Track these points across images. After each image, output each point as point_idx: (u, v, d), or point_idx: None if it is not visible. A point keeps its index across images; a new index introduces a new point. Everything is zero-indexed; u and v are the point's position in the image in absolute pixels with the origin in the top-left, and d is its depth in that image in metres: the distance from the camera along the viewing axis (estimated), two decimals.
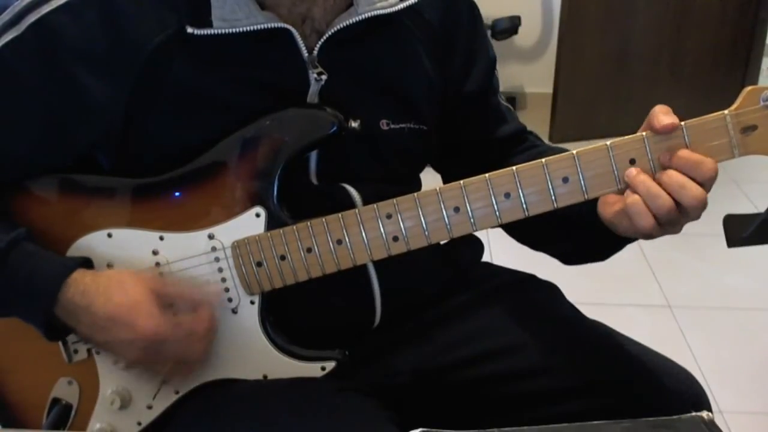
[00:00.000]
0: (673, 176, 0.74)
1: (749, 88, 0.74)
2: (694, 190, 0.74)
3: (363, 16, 0.86)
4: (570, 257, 0.96)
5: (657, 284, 2.33)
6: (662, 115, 0.75)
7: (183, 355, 0.82)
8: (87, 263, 0.84)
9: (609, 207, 0.79)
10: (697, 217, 0.76)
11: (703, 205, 0.74)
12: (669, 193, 0.74)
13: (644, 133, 0.75)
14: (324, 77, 0.85)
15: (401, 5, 0.88)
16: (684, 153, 0.74)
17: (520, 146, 1.00)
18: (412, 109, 0.92)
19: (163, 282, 0.83)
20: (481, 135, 1.00)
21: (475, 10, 0.99)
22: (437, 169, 1.05)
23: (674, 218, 0.75)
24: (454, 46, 0.95)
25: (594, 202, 0.79)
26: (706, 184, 0.75)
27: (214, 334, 0.85)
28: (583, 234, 0.86)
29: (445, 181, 1.02)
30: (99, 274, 0.83)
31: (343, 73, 0.87)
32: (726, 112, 0.74)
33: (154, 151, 0.85)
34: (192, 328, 0.81)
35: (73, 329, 0.83)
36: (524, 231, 0.82)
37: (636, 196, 0.75)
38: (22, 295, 0.81)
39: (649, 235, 0.78)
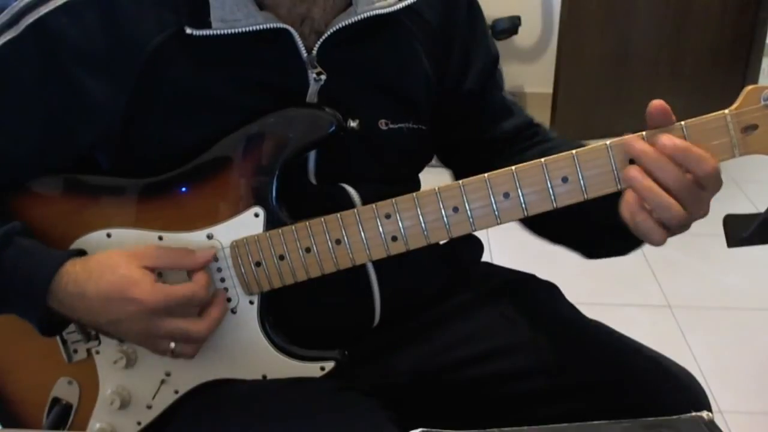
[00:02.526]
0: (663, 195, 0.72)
1: (750, 87, 0.73)
2: (674, 208, 0.72)
3: (362, 16, 0.86)
4: (591, 252, 0.93)
5: (657, 284, 2.33)
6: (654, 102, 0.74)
7: (186, 329, 0.81)
8: (81, 254, 0.84)
9: (627, 207, 0.76)
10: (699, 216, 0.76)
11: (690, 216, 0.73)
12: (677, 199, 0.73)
13: (644, 133, 0.75)
14: (323, 77, 0.85)
15: (400, 5, 0.87)
16: (684, 144, 0.72)
17: (531, 140, 0.98)
18: (411, 109, 0.92)
19: (151, 255, 0.82)
20: (487, 131, 0.99)
21: (474, 7, 0.98)
22: (449, 167, 1.04)
23: (683, 221, 0.74)
24: (451, 44, 0.95)
25: (615, 197, 0.77)
26: (705, 182, 0.73)
27: (221, 310, 0.84)
28: (603, 230, 0.84)
29: (457, 179, 1.02)
30: (88, 259, 0.82)
31: (342, 73, 0.87)
32: (726, 111, 0.74)
33: (153, 151, 0.85)
34: (190, 293, 0.81)
35: (74, 320, 0.84)
36: (542, 225, 0.80)
37: (644, 214, 0.74)
38: (16, 290, 0.82)
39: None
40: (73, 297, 0.80)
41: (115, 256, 0.81)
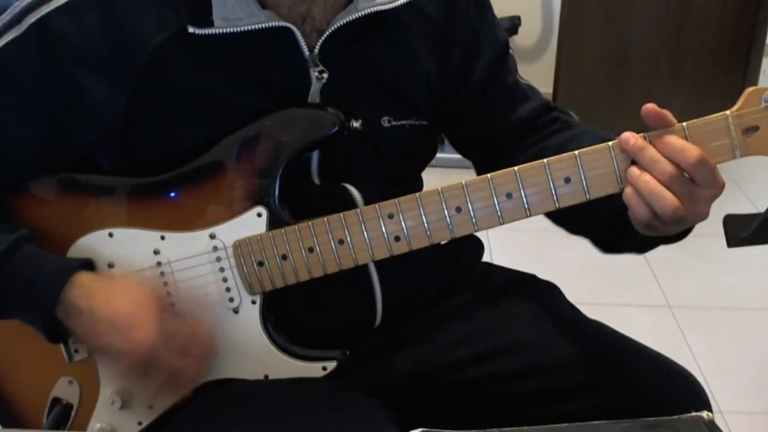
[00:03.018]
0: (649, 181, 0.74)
1: (751, 89, 0.74)
2: (668, 198, 0.73)
3: (363, 13, 0.85)
4: (606, 246, 0.93)
5: (657, 284, 2.33)
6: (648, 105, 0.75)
7: (175, 372, 0.82)
8: (88, 264, 0.84)
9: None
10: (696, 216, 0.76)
11: (678, 212, 0.74)
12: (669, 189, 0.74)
13: (646, 134, 0.75)
14: (325, 75, 0.85)
15: (401, 1, 0.87)
16: (670, 138, 0.74)
17: (551, 127, 0.98)
18: (412, 106, 0.92)
19: (165, 312, 0.82)
20: (504, 117, 0.98)
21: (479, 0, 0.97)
22: (469, 158, 1.03)
23: (678, 213, 0.75)
24: (455, 37, 0.95)
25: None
26: (694, 174, 0.74)
27: (210, 356, 0.85)
28: (616, 224, 0.84)
29: (479, 170, 1.01)
30: (102, 277, 0.83)
31: (344, 71, 0.87)
32: (728, 112, 0.74)
33: (154, 151, 0.85)
34: (179, 366, 0.81)
35: (71, 331, 0.83)
36: (561, 214, 0.81)
37: (630, 189, 0.75)
38: (23, 297, 0.81)
39: (652, 228, 0.77)
40: (81, 310, 0.80)
41: (131, 285, 0.82)
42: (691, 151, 0.73)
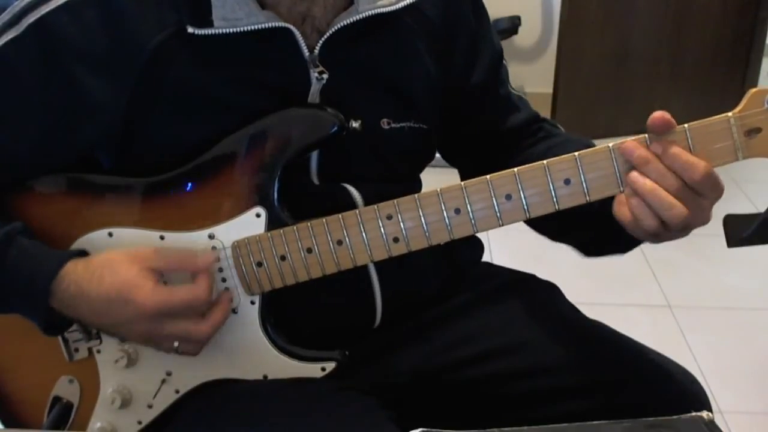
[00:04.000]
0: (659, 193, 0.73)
1: (753, 90, 0.73)
2: (676, 207, 0.73)
3: (363, 15, 0.85)
4: (588, 249, 0.94)
5: (657, 284, 2.33)
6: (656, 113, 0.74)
7: (188, 331, 0.81)
8: (82, 254, 0.84)
9: (620, 206, 0.77)
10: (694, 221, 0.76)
11: (684, 221, 0.74)
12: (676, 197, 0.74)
13: (646, 135, 0.75)
14: (325, 76, 0.85)
15: (401, 3, 0.87)
16: (674, 151, 0.73)
17: (536, 136, 0.99)
18: (412, 108, 0.92)
19: (153, 257, 0.82)
20: (493, 126, 0.99)
21: (478, 3, 0.98)
22: (454, 165, 1.04)
23: (686, 220, 0.74)
24: (455, 41, 0.95)
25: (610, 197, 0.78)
26: (698, 188, 0.74)
27: (225, 311, 0.84)
28: (599, 227, 0.84)
29: (463, 177, 1.02)
30: (90, 260, 0.82)
31: (344, 72, 0.87)
32: (730, 114, 0.74)
33: (154, 150, 0.85)
34: (191, 296, 0.81)
35: (76, 320, 0.83)
36: (542, 222, 0.81)
37: (637, 200, 0.75)
38: (17, 290, 0.81)
39: (656, 237, 0.77)
40: (75, 298, 0.80)
41: (116, 258, 0.81)
42: (697, 167, 0.73)
